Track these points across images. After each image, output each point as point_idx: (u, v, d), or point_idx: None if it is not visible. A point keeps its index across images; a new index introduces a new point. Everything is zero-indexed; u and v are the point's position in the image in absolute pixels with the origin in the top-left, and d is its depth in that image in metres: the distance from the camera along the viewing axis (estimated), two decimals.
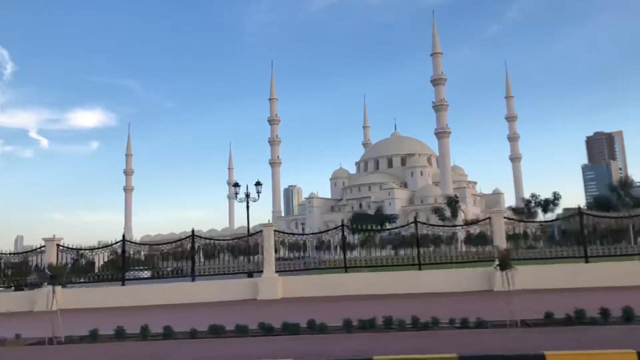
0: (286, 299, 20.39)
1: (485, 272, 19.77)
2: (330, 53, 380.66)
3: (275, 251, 23.50)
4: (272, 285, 21.11)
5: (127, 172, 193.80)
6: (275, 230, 22.57)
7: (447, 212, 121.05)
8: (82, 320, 15.25)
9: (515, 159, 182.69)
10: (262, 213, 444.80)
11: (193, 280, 22.46)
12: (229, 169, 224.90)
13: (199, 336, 11.53)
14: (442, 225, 25.44)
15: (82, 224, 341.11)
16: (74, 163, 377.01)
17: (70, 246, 23.63)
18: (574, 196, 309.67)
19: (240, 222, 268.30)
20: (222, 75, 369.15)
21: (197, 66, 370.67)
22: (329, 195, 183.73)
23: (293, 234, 28.13)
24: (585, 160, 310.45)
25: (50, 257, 22.25)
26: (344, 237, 22.06)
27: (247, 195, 34.40)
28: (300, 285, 21.64)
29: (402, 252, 26.12)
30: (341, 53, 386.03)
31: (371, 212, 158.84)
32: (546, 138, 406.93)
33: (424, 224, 24.59)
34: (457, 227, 28.88)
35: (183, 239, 23.16)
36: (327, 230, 24.16)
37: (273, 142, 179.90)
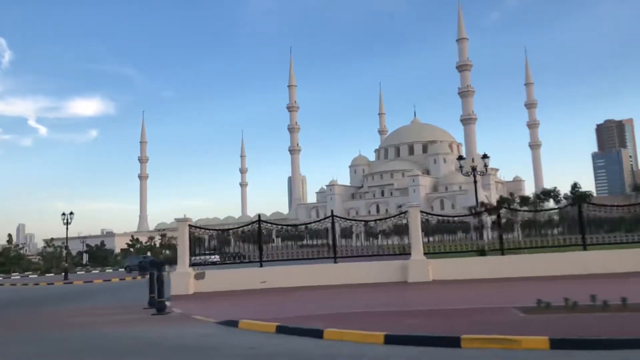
0: None
1: None
2: (334, 43, 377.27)
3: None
4: None
5: (142, 160, 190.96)
6: None
7: None
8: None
9: (534, 146, 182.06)
10: (265, 200, 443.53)
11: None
12: (241, 156, 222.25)
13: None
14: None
15: (84, 212, 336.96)
16: (74, 151, 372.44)
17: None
18: (584, 184, 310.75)
19: (252, 210, 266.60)
20: (226, 64, 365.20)
21: (197, 55, 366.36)
22: (342, 183, 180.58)
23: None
24: (595, 148, 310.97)
25: (416, 224, 20.87)
26: None
27: (474, 169, 32.39)
28: None
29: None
30: (346, 42, 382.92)
31: (394, 199, 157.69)
32: (556, 125, 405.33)
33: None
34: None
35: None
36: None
37: (292, 129, 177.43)
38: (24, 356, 9.51)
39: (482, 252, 23.26)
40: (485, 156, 31.61)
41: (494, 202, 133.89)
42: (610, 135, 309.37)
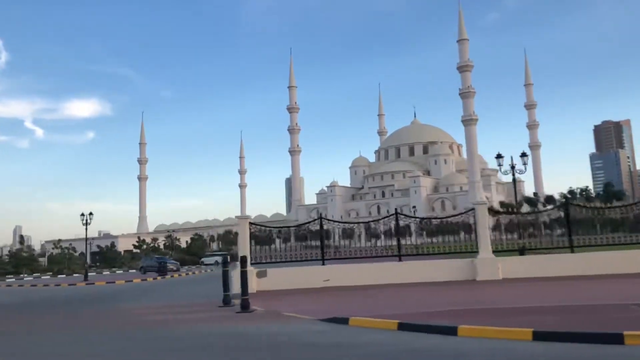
0: None
1: None
2: (334, 43, 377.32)
3: None
4: None
5: (141, 161, 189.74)
6: None
7: None
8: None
9: (534, 146, 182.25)
10: (264, 201, 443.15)
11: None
12: (240, 157, 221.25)
13: None
14: None
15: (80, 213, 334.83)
16: (71, 153, 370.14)
17: None
18: (583, 185, 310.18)
19: (251, 211, 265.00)
20: (226, 64, 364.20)
21: (197, 55, 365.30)
22: (342, 184, 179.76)
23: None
24: (593, 149, 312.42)
25: (483, 221, 21.08)
26: None
27: (513, 167, 32.12)
28: None
29: None
30: (346, 42, 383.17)
31: (394, 200, 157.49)
32: (555, 126, 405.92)
33: None
34: None
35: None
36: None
37: (293, 130, 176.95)
38: (153, 354, 9.15)
39: (522, 252, 22.98)
40: (524, 154, 31.45)
41: (495, 203, 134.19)
42: (608, 136, 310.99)
